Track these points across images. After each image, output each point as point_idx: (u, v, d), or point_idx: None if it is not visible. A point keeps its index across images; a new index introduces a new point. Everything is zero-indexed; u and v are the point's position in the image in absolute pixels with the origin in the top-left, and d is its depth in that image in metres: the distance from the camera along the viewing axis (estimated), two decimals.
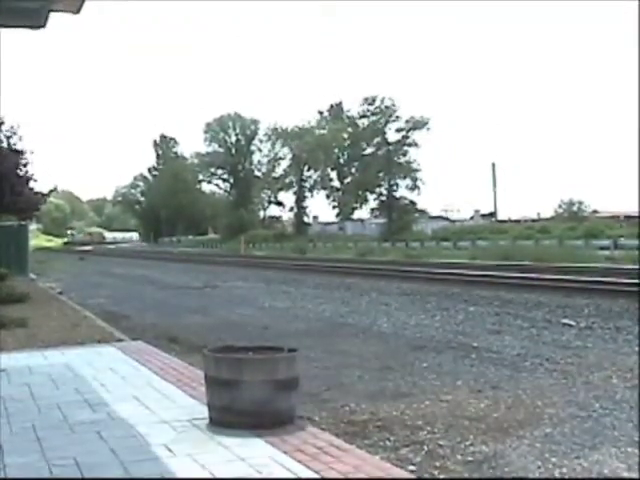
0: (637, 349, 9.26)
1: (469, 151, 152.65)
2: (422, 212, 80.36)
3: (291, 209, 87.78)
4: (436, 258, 36.70)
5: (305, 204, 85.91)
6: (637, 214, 56.11)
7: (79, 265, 44.11)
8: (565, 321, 12.01)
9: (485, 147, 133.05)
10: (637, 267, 22.17)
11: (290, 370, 5.34)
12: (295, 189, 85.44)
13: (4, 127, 29.62)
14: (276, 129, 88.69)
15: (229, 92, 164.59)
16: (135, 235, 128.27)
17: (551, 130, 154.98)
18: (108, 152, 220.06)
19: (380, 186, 78.35)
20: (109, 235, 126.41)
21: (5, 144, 29.28)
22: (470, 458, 4.98)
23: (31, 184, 30.15)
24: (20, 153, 29.77)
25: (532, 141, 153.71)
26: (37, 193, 29.80)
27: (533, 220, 70.18)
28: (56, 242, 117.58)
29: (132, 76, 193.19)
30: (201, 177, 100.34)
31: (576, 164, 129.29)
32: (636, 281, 17.12)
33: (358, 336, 11.16)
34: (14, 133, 30.84)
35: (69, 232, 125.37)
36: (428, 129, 75.46)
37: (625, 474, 4.59)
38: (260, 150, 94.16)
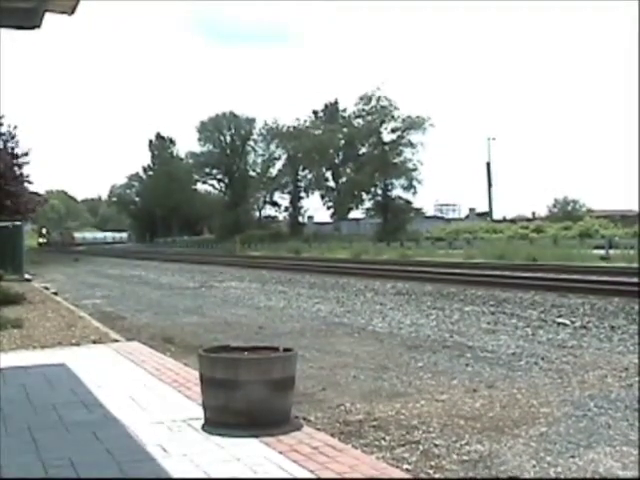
0: (632, 348, 9.29)
1: (464, 150, 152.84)
2: (417, 211, 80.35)
3: (286, 209, 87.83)
4: (431, 258, 36.75)
5: (300, 204, 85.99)
6: (632, 213, 56.26)
7: (74, 266, 44.04)
8: (560, 320, 12.04)
9: (480, 146, 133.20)
10: (632, 266, 22.23)
11: (286, 370, 5.33)
12: (290, 189, 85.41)
13: (1, 129, 29.64)
14: (271, 129, 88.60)
15: (224, 91, 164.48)
16: (111, 235, 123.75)
17: (547, 128, 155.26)
18: (103, 152, 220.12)
19: (375, 186, 78.21)
20: (78, 235, 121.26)
21: (1, 146, 29.31)
22: (465, 457, 4.98)
23: (29, 186, 30.18)
24: (17, 156, 29.76)
25: (527, 140, 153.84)
26: (35, 194, 29.80)
27: (528, 219, 70.28)
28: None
29: (127, 76, 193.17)
30: (196, 177, 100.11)
31: (571, 163, 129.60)
32: (632, 280, 17.17)
33: (353, 336, 11.17)
34: (12, 137, 30.83)
35: (44, 231, 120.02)
36: (424, 130, 75.30)
37: (620, 473, 4.60)
38: (255, 150, 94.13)
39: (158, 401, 6.28)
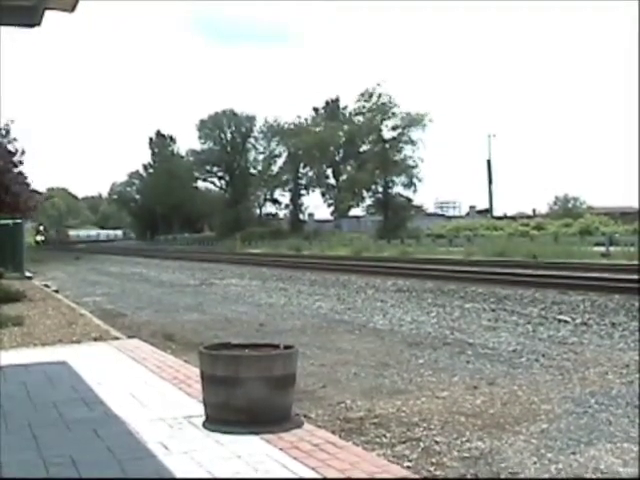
0: (633, 345, 9.28)
1: (464, 147, 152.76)
2: (418, 209, 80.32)
3: (287, 207, 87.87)
4: (432, 255, 36.74)
5: (301, 202, 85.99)
6: (632, 210, 56.24)
7: (75, 264, 44.04)
8: (561, 317, 12.04)
9: (480, 143, 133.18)
10: (632, 263, 22.22)
11: (286, 367, 5.33)
12: (291, 187, 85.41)
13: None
14: (272, 126, 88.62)
15: (225, 90, 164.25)
16: (105, 232, 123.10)
17: (547, 126, 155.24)
18: (104, 149, 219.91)
19: (376, 183, 78.13)
20: (73, 233, 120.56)
21: None
22: (466, 454, 4.98)
23: (29, 183, 30.16)
24: (15, 154, 29.73)
25: (528, 137, 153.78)
26: (35, 191, 29.80)
27: (528, 217, 70.26)
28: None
29: (127, 74, 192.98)
30: (197, 175, 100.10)
31: (572, 160, 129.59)
32: (632, 277, 17.16)
33: (354, 333, 11.17)
34: (7, 132, 30.80)
35: (42, 229, 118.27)
36: (424, 127, 75.16)
37: (621, 469, 4.60)
38: (255, 148, 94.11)
39: (159, 398, 6.28)
